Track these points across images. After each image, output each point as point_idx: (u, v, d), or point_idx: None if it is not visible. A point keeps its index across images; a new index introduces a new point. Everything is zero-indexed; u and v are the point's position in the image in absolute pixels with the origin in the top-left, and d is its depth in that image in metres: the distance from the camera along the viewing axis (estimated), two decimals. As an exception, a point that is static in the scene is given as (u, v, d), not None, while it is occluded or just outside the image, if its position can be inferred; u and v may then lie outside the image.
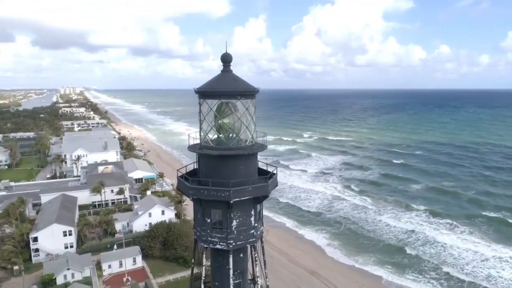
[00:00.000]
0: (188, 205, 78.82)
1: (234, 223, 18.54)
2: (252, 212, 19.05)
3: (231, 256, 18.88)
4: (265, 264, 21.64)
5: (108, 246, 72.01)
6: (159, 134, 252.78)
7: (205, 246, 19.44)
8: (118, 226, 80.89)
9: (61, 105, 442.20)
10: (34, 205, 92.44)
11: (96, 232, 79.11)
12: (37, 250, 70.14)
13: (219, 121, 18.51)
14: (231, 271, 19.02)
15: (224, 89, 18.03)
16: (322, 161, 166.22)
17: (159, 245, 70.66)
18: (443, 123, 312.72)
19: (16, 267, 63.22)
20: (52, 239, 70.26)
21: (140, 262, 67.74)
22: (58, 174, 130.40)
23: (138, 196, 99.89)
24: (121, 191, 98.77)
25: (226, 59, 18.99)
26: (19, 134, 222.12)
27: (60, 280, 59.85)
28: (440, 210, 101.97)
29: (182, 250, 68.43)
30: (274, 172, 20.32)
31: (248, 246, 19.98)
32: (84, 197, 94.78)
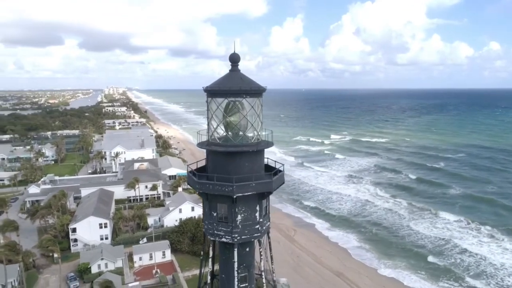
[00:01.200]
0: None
1: (239, 217, 19.14)
2: (257, 208, 19.54)
3: (235, 249, 19.48)
4: (272, 259, 22.00)
5: (140, 239, 75.23)
6: (195, 133, 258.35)
7: (211, 239, 20.27)
8: (150, 220, 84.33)
9: (105, 104, 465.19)
10: (75, 198, 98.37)
11: (129, 225, 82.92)
12: (75, 240, 74.82)
13: (226, 119, 19.18)
14: (235, 264, 19.63)
15: (230, 88, 18.71)
16: (356, 163, 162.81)
17: (188, 240, 72.93)
18: (489, 125, 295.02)
19: (56, 255, 67.77)
20: (89, 231, 74.65)
21: (169, 256, 70.33)
22: (98, 170, 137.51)
23: (170, 192, 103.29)
24: (154, 187, 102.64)
25: (234, 59, 19.66)
26: (65, 132, 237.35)
27: (94, 269, 63.62)
28: (480, 218, 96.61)
29: (209, 246, 70.01)
30: (281, 169, 20.66)
31: (255, 241, 20.45)
32: (120, 192, 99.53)
